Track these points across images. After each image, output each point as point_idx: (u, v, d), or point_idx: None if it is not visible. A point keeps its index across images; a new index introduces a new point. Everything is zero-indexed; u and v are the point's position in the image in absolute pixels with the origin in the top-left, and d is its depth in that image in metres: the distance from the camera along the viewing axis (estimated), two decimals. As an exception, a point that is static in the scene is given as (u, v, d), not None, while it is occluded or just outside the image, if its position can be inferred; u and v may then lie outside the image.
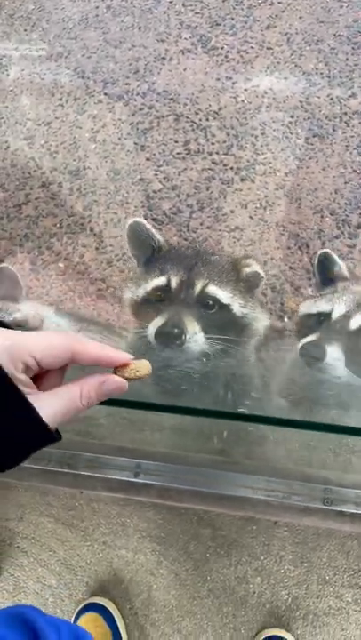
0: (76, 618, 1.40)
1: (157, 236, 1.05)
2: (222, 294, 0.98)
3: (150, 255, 1.05)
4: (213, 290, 0.98)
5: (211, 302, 0.98)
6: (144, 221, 1.04)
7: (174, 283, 0.98)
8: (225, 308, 0.99)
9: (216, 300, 0.98)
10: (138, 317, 1.05)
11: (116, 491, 1.38)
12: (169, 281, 0.98)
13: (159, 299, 0.99)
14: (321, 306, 1.08)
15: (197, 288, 0.97)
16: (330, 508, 1.25)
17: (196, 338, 0.92)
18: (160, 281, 0.99)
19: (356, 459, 1.29)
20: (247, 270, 1.04)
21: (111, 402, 0.60)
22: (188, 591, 1.42)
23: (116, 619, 1.39)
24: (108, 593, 1.44)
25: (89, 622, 1.37)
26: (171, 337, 0.90)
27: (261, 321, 1.06)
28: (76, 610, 1.42)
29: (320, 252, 1.16)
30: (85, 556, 1.47)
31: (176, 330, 0.90)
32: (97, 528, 1.48)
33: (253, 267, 1.05)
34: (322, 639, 1.36)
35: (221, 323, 0.99)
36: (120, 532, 1.47)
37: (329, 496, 1.26)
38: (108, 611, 1.39)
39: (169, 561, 1.44)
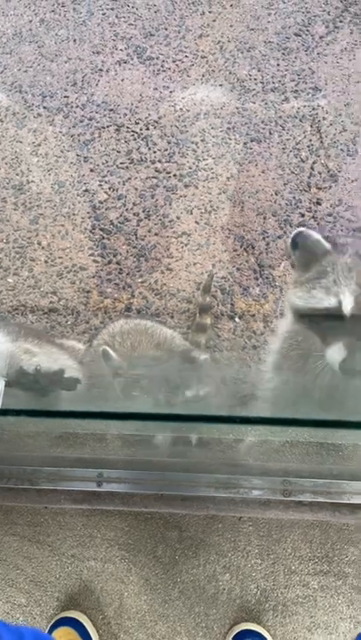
0: (49, 634, 1.38)
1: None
2: None
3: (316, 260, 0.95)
4: None
5: None
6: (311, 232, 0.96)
7: (348, 308, 0.85)
8: None
9: None
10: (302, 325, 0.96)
11: (81, 502, 1.39)
12: (340, 304, 0.87)
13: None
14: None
15: None
16: (289, 498, 1.29)
17: None
18: (330, 303, 0.88)
19: (312, 449, 1.34)
20: None
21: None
22: (159, 595, 1.43)
23: (89, 630, 1.39)
24: (80, 605, 1.43)
25: (62, 637, 1.36)
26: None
27: None
28: (48, 626, 1.41)
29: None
30: (54, 570, 1.46)
31: None
32: (64, 541, 1.48)
33: None
34: (292, 628, 1.40)
35: None
36: (88, 543, 1.47)
37: (288, 487, 1.30)
38: (81, 623, 1.39)
39: (138, 567, 1.45)
